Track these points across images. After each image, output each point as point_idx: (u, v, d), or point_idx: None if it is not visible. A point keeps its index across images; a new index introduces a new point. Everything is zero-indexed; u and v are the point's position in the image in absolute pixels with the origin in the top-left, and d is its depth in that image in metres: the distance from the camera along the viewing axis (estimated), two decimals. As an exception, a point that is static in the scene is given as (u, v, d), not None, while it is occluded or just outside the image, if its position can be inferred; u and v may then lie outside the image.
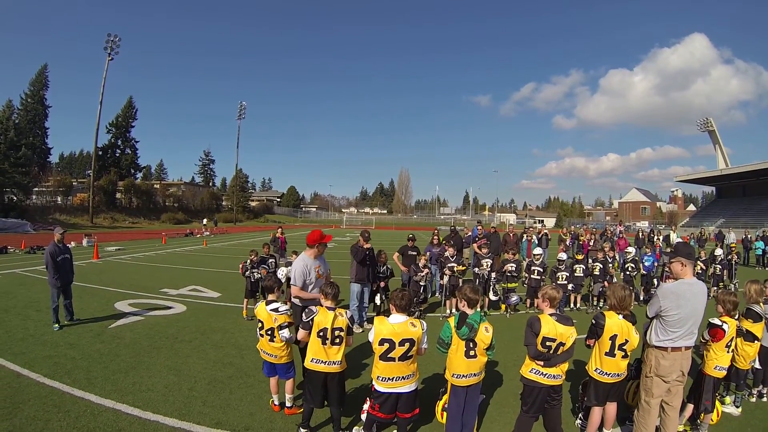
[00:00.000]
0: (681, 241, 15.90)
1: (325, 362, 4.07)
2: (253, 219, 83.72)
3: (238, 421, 4.56)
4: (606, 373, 4.04)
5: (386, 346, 3.71)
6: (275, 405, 4.80)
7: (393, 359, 3.73)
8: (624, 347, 3.96)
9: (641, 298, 10.77)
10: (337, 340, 4.08)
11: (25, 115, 58.40)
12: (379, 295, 8.99)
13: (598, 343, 4.06)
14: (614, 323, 3.96)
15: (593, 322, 4.06)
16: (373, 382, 3.87)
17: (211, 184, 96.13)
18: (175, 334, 7.56)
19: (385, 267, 9.25)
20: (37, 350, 6.60)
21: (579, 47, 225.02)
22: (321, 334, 4.05)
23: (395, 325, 3.77)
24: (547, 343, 3.80)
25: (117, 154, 70.77)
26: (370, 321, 8.42)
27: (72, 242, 25.02)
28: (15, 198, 47.78)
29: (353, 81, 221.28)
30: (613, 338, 3.94)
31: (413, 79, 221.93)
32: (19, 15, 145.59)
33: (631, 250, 11.93)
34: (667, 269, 11.61)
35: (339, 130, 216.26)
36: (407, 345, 3.73)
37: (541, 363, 3.84)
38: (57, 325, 7.78)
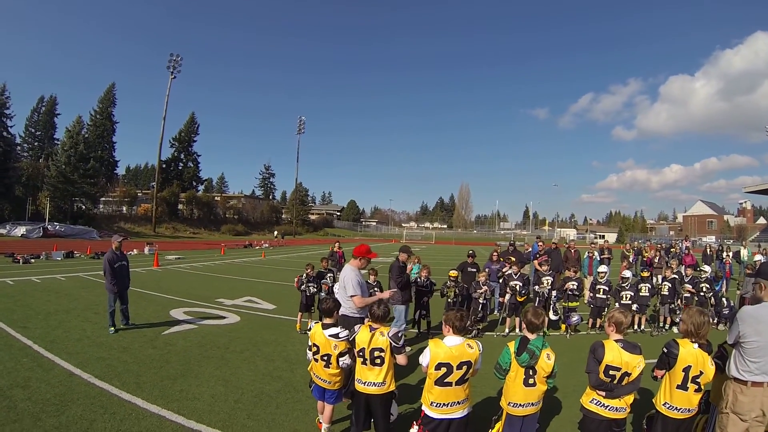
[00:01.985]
0: (766, 260, 15.34)
1: (365, 383, 4.05)
2: (312, 232, 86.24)
3: (281, 436, 4.56)
4: (676, 407, 3.76)
5: (443, 370, 3.60)
6: (320, 423, 4.74)
7: (450, 384, 3.62)
8: (698, 380, 3.70)
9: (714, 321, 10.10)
10: (377, 361, 4.02)
11: (94, 130, 64.11)
12: (419, 311, 8.95)
13: (669, 375, 3.80)
14: (689, 353, 3.70)
15: (665, 350, 3.81)
16: (424, 408, 3.76)
17: (271, 197, 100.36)
18: (227, 344, 7.78)
19: (427, 281, 9.09)
20: (92, 351, 7.06)
21: (636, 55, 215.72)
22: (360, 354, 4.07)
23: (453, 347, 3.65)
24: (611, 372, 3.68)
25: (180, 167, 75.87)
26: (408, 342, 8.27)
27: (134, 250, 27.07)
28: (83, 206, 53.11)
29: (411, 95, 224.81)
30: (686, 369, 3.69)
31: (470, 92, 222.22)
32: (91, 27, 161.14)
33: (707, 269, 11.31)
34: (744, 291, 10.77)
35: (398, 144, 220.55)
36: (465, 368, 3.63)
37: (603, 393, 3.71)
38: (113, 328, 8.34)
